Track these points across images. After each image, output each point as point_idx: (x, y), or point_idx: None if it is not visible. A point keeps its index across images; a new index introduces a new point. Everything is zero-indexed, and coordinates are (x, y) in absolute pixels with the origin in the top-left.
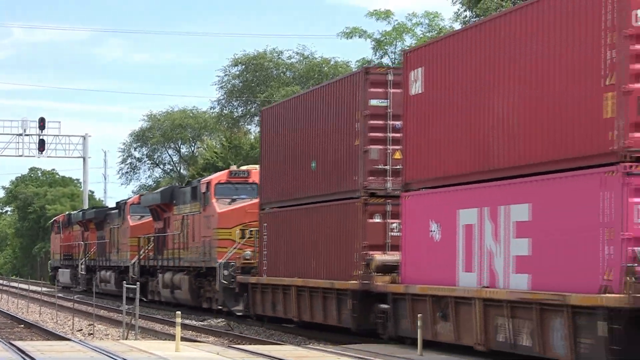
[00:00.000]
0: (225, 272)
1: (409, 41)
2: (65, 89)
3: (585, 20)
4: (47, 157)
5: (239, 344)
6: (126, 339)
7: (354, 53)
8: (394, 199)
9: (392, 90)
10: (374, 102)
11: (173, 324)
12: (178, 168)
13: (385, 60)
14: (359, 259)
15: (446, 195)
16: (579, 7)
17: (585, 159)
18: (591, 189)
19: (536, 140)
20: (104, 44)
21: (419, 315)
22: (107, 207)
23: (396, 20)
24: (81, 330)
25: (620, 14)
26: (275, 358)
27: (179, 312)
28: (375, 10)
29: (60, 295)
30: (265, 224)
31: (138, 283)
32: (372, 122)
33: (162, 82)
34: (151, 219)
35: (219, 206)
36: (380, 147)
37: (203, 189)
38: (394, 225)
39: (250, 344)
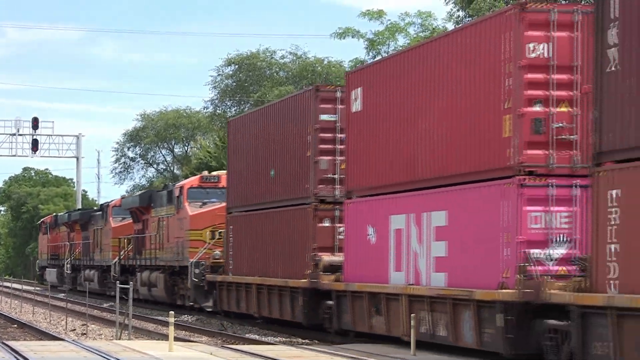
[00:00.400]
0: (196, 271)
1: (402, 41)
2: (58, 88)
3: (490, 52)
4: (41, 157)
5: (232, 343)
6: (119, 338)
7: (347, 53)
8: (342, 205)
9: (340, 107)
10: (323, 117)
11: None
12: (171, 168)
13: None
14: (310, 260)
15: (380, 203)
16: (485, 40)
17: (490, 172)
18: (493, 199)
19: (453, 154)
20: (97, 43)
21: (412, 315)
22: (91, 209)
23: (389, 20)
24: (74, 330)
25: (515, 46)
26: (269, 358)
27: (172, 312)
28: (368, 10)
29: (53, 295)
30: (231, 227)
31: (131, 283)
32: (322, 135)
33: (156, 82)
34: (131, 221)
35: (191, 209)
36: (330, 158)
37: (177, 193)
38: (342, 229)
39: (244, 344)
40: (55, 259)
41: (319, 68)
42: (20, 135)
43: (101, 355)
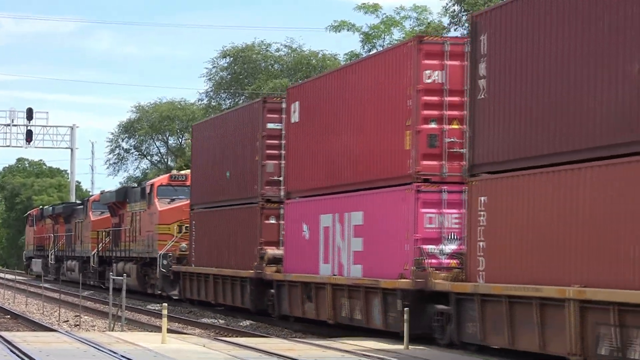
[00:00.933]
0: (164, 262)
1: (397, 35)
2: (53, 79)
3: (395, 77)
4: (35, 147)
5: (225, 336)
6: (112, 330)
7: (343, 46)
8: None
9: (284, 116)
10: (270, 125)
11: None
12: (166, 160)
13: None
14: (257, 253)
15: (313, 203)
16: (392, 66)
17: (394, 179)
18: (397, 202)
19: (368, 163)
20: (93, 35)
21: (405, 309)
22: (74, 202)
23: (384, 13)
24: (67, 321)
25: (414, 73)
26: (262, 350)
27: (165, 304)
28: (363, 4)
29: (46, 286)
30: (194, 222)
31: (125, 274)
32: (269, 141)
33: (151, 74)
34: (109, 215)
35: (160, 205)
36: (275, 162)
37: (148, 190)
38: None
39: (237, 337)
40: (40, 250)
41: (314, 61)
42: (15, 125)
43: (94, 347)
